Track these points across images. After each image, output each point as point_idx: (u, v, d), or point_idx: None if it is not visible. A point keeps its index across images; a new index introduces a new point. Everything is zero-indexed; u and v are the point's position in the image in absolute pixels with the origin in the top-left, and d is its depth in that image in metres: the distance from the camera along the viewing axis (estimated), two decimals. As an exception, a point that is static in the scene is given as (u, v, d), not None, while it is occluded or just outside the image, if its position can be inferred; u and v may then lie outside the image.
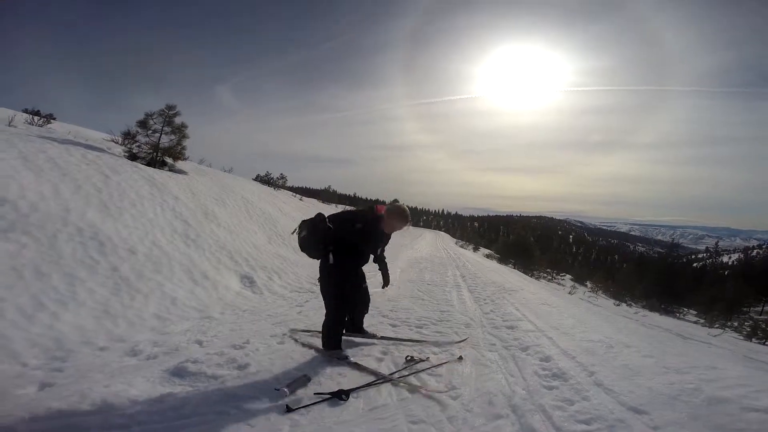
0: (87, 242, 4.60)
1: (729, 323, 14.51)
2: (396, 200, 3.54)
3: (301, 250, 3.40)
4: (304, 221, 3.37)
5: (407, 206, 3.50)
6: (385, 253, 3.81)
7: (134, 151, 10.07)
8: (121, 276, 4.36)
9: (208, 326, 4.03)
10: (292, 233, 3.54)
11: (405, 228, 3.49)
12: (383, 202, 3.93)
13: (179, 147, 10.67)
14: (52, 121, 11.77)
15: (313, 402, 2.50)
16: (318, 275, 3.44)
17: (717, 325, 13.75)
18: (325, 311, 3.44)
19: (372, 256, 3.62)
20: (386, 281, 3.85)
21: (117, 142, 10.14)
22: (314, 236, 3.27)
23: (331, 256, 3.28)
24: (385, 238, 3.60)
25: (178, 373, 2.79)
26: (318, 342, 3.52)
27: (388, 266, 3.85)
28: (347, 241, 3.29)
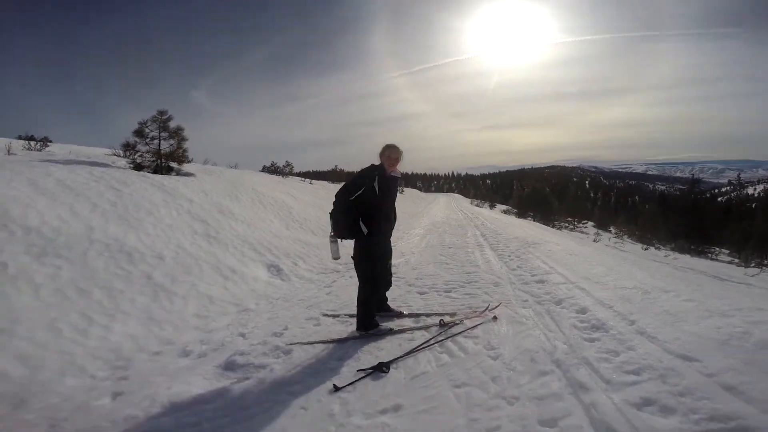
0: (116, 255, 4.72)
1: (765, 261, 13.93)
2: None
3: (336, 236, 3.45)
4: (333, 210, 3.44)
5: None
6: (398, 222, 3.89)
7: (138, 161, 10.00)
8: (155, 282, 4.49)
9: (247, 318, 4.14)
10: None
11: (400, 155, 3.53)
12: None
13: (180, 150, 10.56)
14: (48, 144, 11.81)
15: (357, 378, 2.57)
16: (351, 252, 3.46)
17: (753, 264, 13.27)
18: (358, 289, 3.46)
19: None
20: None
21: (119, 155, 10.06)
22: (339, 213, 3.36)
23: (363, 226, 3.32)
24: (394, 185, 3.60)
25: (230, 367, 2.90)
26: (351, 326, 3.58)
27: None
28: (367, 203, 3.32)
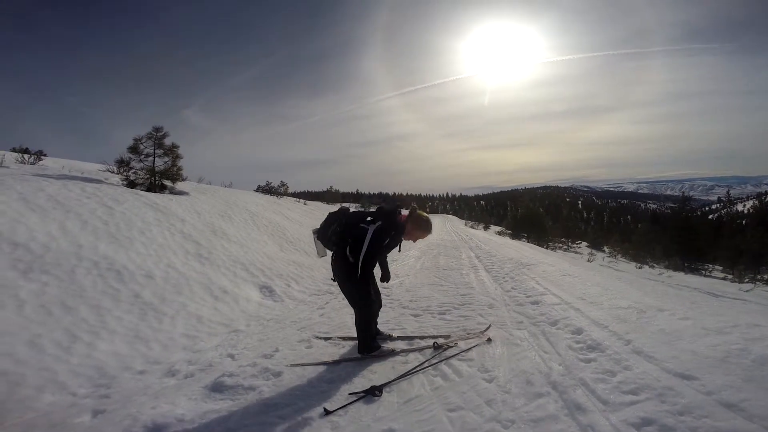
0: (105, 273, 4.66)
1: (758, 277, 14.02)
2: (414, 206, 3.47)
3: (318, 238, 3.37)
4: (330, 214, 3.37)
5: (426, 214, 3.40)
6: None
7: (131, 178, 9.93)
8: (144, 301, 4.42)
9: (237, 339, 4.07)
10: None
11: (425, 237, 3.41)
12: (385, 195, 3.79)
13: (175, 168, 10.54)
14: (42, 157, 11.76)
15: (348, 402, 2.51)
16: (332, 275, 3.34)
17: (746, 280, 13.33)
18: (355, 313, 3.31)
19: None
20: (386, 276, 3.71)
21: (113, 171, 10.01)
22: (329, 226, 3.28)
23: (349, 255, 3.16)
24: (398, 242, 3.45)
25: (217, 388, 2.82)
26: (344, 348, 3.50)
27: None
28: (370, 243, 3.12)
